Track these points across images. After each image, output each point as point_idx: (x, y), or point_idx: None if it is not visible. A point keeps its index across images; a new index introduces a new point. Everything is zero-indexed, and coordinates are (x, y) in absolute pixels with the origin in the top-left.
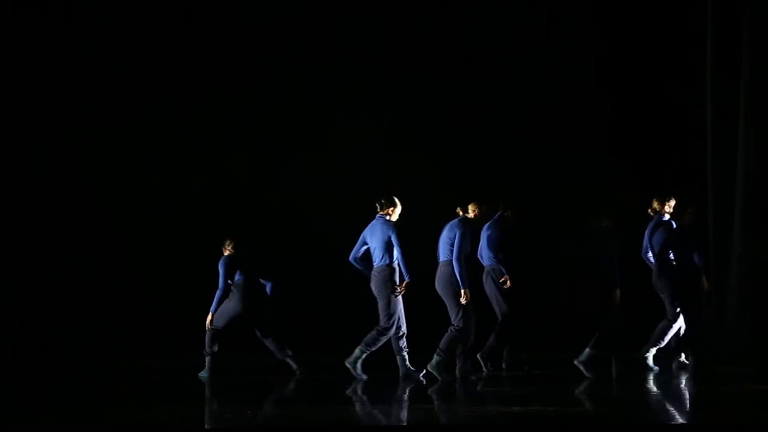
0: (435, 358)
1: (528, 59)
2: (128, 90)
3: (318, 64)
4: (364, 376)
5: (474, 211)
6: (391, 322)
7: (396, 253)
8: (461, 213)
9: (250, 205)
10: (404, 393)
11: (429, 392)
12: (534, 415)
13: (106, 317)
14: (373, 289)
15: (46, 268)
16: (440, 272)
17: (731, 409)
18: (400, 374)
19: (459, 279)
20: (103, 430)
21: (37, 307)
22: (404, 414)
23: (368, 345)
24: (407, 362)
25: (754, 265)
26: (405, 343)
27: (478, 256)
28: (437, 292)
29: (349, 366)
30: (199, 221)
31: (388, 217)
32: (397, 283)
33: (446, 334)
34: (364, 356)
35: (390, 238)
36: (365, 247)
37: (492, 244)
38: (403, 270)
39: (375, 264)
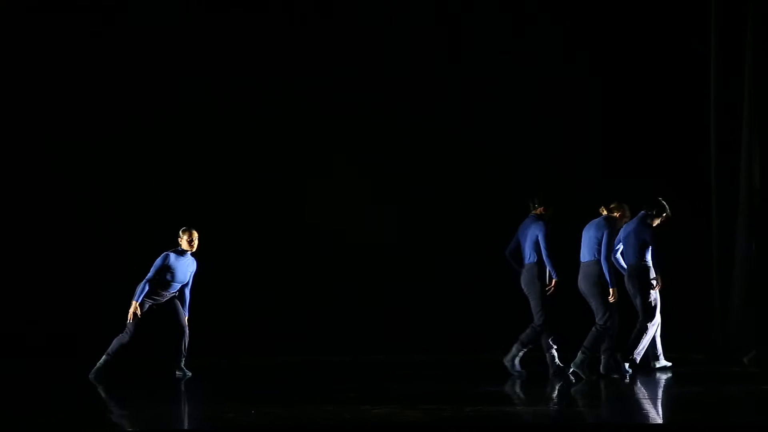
0: (579, 356)
1: (527, 60)
2: (124, 92)
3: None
4: (523, 372)
5: (617, 211)
6: (543, 319)
7: (543, 252)
8: (604, 212)
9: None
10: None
11: (572, 391)
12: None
13: (107, 317)
14: (523, 286)
15: (46, 268)
16: (586, 272)
17: (734, 409)
18: (550, 372)
19: (608, 278)
20: (103, 430)
21: (36, 306)
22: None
23: (524, 344)
24: (557, 360)
25: (757, 264)
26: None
27: (618, 256)
28: (579, 292)
29: (506, 364)
30: (197, 223)
31: (538, 216)
32: (547, 282)
33: (591, 333)
34: (520, 354)
35: (537, 237)
36: (518, 245)
37: (638, 244)
38: (550, 269)
39: (524, 262)
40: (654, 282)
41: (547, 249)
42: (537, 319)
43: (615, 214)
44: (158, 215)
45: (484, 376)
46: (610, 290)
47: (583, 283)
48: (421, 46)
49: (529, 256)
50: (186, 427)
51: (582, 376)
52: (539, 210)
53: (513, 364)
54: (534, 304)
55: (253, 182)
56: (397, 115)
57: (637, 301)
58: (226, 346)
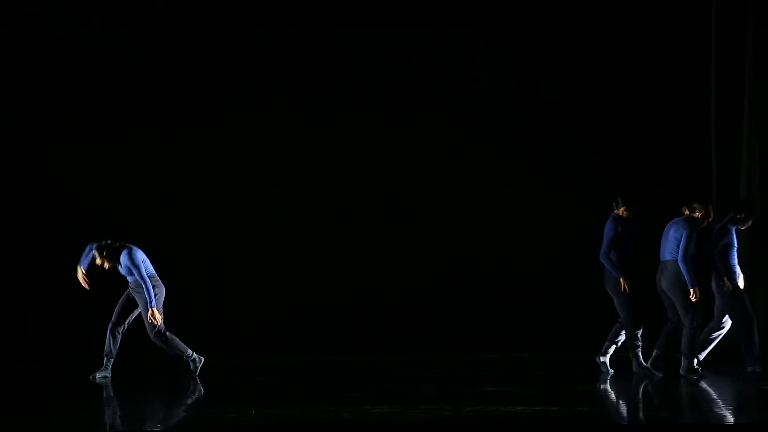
0: (684, 363)
1: (527, 60)
2: (123, 93)
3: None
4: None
5: (700, 211)
6: (630, 315)
7: (602, 250)
8: (687, 212)
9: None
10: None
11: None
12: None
13: (107, 317)
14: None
15: (45, 269)
16: (667, 271)
17: (734, 409)
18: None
19: (686, 278)
20: (103, 430)
21: (36, 306)
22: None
23: (631, 340)
24: (641, 358)
25: (758, 268)
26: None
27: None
28: (658, 291)
29: (644, 372)
30: (200, 223)
31: (619, 216)
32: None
33: (684, 337)
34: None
35: (609, 236)
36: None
37: (722, 247)
38: (608, 268)
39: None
40: (727, 283)
41: (606, 249)
42: (624, 317)
43: (697, 214)
44: (159, 217)
45: (484, 376)
46: (691, 290)
47: (663, 282)
48: (420, 48)
49: (606, 254)
50: (186, 428)
51: (696, 377)
52: (621, 210)
53: (652, 370)
54: (618, 302)
55: (254, 183)
56: (394, 118)
57: (721, 303)
58: (226, 346)
